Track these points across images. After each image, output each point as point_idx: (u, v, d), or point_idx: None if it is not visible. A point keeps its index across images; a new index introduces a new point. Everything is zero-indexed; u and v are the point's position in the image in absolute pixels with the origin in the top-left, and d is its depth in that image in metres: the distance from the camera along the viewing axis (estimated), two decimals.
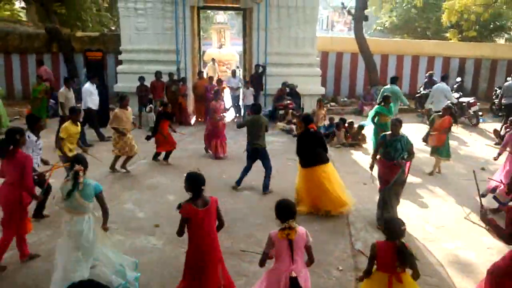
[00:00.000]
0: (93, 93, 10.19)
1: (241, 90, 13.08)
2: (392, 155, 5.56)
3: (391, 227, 3.36)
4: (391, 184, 5.53)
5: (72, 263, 3.88)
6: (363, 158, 9.26)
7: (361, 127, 10.53)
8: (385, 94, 9.03)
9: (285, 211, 3.34)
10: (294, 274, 3.22)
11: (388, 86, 10.19)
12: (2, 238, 4.50)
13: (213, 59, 19.43)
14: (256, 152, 7.08)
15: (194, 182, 3.58)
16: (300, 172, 6.38)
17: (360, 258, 4.92)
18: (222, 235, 5.33)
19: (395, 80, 10.30)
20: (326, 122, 10.96)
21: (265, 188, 6.99)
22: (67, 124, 6.51)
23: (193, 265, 3.69)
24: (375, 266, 3.40)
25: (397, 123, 5.66)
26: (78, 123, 6.66)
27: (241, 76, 15.78)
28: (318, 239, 5.37)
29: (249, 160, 7.18)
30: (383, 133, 5.90)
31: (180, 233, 3.69)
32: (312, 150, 6.18)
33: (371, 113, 8.91)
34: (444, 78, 11.04)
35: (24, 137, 4.76)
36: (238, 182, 7.14)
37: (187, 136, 10.82)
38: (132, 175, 7.84)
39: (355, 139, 10.40)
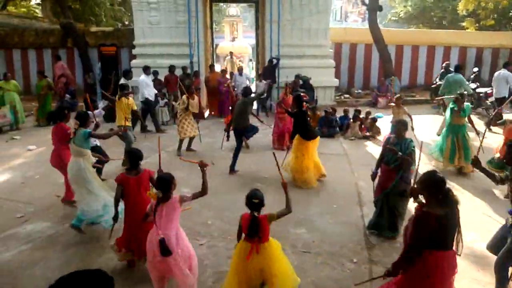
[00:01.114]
0: (149, 84, 10.55)
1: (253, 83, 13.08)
2: (389, 159, 5.13)
3: (247, 202, 3.60)
4: (385, 193, 5.13)
5: (82, 200, 5.19)
6: (377, 150, 9.16)
7: (375, 119, 10.44)
8: (458, 92, 8.16)
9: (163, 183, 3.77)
10: (161, 236, 3.56)
11: (453, 74, 10.46)
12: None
13: (230, 53, 19.38)
14: (238, 132, 7.70)
15: (133, 156, 4.45)
16: (301, 146, 6.97)
17: (376, 251, 4.91)
18: (235, 228, 5.39)
19: (459, 68, 10.52)
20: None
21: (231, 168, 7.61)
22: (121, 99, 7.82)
23: (128, 224, 4.44)
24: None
25: (400, 126, 5.16)
26: (129, 98, 7.94)
27: (253, 69, 15.76)
28: (332, 231, 5.39)
29: (236, 140, 7.71)
30: (389, 136, 5.44)
31: (116, 199, 4.34)
32: (310, 126, 7.23)
33: (447, 111, 7.98)
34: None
35: (69, 114, 5.96)
36: (232, 167, 7.59)
37: (201, 130, 10.86)
38: (148, 167, 7.91)
39: (369, 131, 10.32)
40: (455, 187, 6.97)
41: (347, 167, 7.99)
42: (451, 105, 7.72)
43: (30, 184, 7.12)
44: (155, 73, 11.87)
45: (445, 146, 7.62)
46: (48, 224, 5.56)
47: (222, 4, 27.75)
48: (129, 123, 7.92)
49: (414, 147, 5.00)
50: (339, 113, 11.01)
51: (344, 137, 10.27)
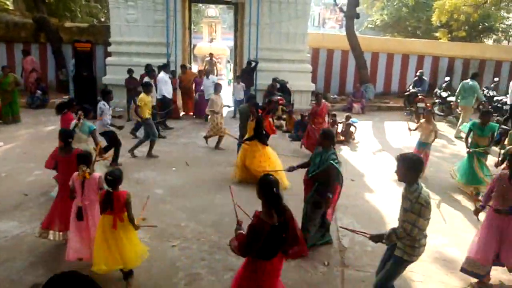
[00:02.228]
0: (167, 82, 10.67)
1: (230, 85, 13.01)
2: (309, 169, 4.92)
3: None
4: (305, 202, 5.02)
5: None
6: (350, 154, 9.31)
7: (350, 125, 10.60)
8: (483, 111, 7.36)
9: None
10: (80, 204, 4.23)
11: (469, 81, 10.89)
12: None
13: (211, 54, 18.68)
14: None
15: (64, 136, 4.95)
16: (260, 151, 7.12)
17: (347, 254, 4.96)
18: (209, 230, 5.34)
19: (475, 76, 11.01)
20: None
21: None
22: (142, 95, 8.36)
23: (58, 199, 4.88)
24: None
25: (325, 135, 4.83)
26: (150, 95, 8.52)
27: (231, 71, 15.68)
28: None
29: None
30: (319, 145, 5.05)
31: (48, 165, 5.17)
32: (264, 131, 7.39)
33: (466, 128, 7.35)
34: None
35: (75, 106, 6.70)
36: None
37: (177, 130, 10.78)
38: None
39: (343, 136, 10.45)
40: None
41: None
42: (470, 125, 7.03)
43: None
44: (130, 72, 11.65)
45: (467, 167, 6.96)
46: (14, 224, 5.36)
47: (201, 4, 27.67)
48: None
49: (335, 160, 4.70)
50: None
51: None
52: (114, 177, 3.99)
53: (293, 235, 3.16)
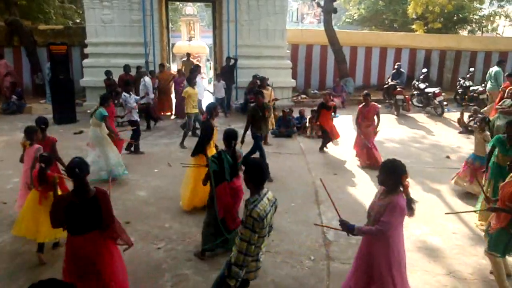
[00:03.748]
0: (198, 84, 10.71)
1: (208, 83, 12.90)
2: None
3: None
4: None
5: (93, 160, 6.66)
6: (332, 148, 9.38)
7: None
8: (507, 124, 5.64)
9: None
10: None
11: (496, 67, 11.37)
12: None
13: (187, 54, 17.55)
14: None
15: (40, 123, 5.47)
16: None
17: (332, 247, 5.01)
18: (194, 230, 5.31)
19: (500, 62, 11.64)
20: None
21: None
22: (187, 88, 9.09)
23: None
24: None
25: (225, 135, 4.62)
26: (195, 87, 9.24)
27: (211, 69, 15.51)
28: (291, 230, 5.44)
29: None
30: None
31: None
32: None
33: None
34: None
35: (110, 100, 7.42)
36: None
37: (157, 131, 10.68)
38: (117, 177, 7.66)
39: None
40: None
41: (304, 166, 8.11)
42: (493, 140, 5.50)
43: None
44: (108, 73, 11.49)
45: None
46: None
47: (178, 3, 27.41)
48: (196, 110, 9.24)
49: (212, 160, 4.55)
50: (295, 113, 11.17)
51: (303, 137, 10.43)
52: (44, 160, 4.51)
53: (107, 219, 3.41)
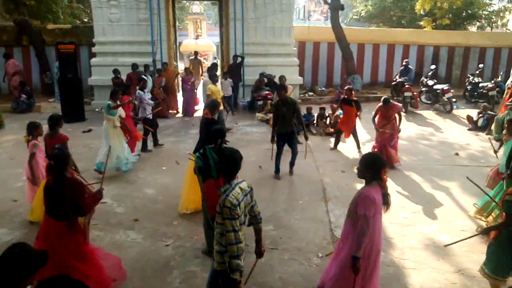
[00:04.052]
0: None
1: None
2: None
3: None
4: None
5: (103, 150, 7.17)
6: (340, 146, 9.35)
7: (338, 116, 10.62)
8: None
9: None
10: None
11: None
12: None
13: (195, 52, 16.85)
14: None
15: (54, 121, 5.60)
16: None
17: None
18: (202, 228, 5.33)
19: None
20: None
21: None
22: (210, 85, 9.40)
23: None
24: None
25: (213, 133, 4.49)
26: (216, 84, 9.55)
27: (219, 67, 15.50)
28: (299, 227, 5.45)
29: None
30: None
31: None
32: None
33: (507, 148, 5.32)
34: None
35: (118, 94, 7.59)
36: (277, 170, 7.26)
37: (165, 129, 10.72)
38: (110, 170, 7.71)
39: (333, 128, 10.47)
40: (413, 179, 7.22)
41: (312, 163, 8.09)
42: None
43: None
44: (116, 72, 11.56)
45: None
46: (4, 230, 5.29)
47: (185, 1, 27.47)
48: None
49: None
50: (303, 111, 11.12)
51: (310, 134, 10.40)
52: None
53: (73, 205, 3.57)
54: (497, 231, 3.77)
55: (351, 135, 8.92)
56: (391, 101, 7.84)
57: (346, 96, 8.83)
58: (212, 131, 4.60)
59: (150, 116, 8.63)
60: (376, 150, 7.80)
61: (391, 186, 6.86)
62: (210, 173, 4.46)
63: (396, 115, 7.73)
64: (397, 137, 7.89)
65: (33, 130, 5.41)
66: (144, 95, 8.69)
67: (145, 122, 8.56)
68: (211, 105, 5.93)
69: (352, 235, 3.35)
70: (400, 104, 8.39)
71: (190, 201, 5.73)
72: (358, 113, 8.58)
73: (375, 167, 3.28)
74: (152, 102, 8.86)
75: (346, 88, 9.16)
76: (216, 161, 4.44)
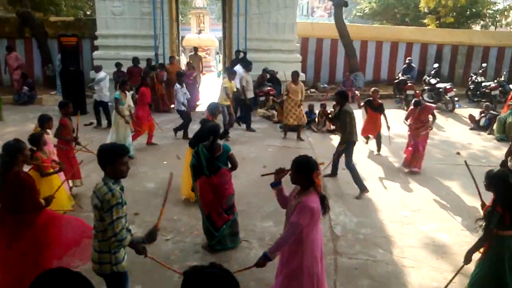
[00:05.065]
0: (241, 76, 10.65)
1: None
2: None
3: None
4: None
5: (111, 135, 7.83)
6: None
7: None
8: None
9: None
10: None
11: None
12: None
13: (195, 48, 16.25)
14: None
15: (62, 106, 6.16)
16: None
17: (340, 242, 5.01)
18: (183, 217, 5.34)
19: None
20: None
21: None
22: (225, 80, 9.60)
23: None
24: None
25: (207, 130, 4.65)
26: (232, 82, 9.52)
27: (220, 63, 15.44)
28: None
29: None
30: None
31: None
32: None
33: None
34: None
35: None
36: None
37: (167, 123, 10.71)
38: None
39: (334, 125, 10.45)
40: (414, 178, 7.22)
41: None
42: None
43: None
44: (118, 65, 11.54)
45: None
46: None
47: None
48: (227, 103, 9.36)
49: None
50: (304, 107, 11.10)
51: (311, 131, 10.40)
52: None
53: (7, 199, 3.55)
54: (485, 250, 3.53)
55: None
56: (423, 102, 7.45)
57: (372, 99, 8.55)
58: (206, 128, 4.61)
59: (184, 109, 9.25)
60: (410, 152, 7.44)
61: (392, 184, 6.87)
62: (203, 171, 4.47)
63: (430, 116, 7.40)
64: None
65: (45, 122, 5.41)
66: (179, 88, 9.16)
67: (181, 115, 9.33)
68: (212, 109, 5.98)
69: (294, 245, 3.12)
70: (434, 105, 8.03)
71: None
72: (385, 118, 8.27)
73: (307, 170, 3.10)
74: (183, 99, 9.23)
75: (373, 89, 8.94)
76: (207, 158, 4.45)
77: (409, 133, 7.55)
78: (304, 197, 3.09)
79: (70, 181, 5.98)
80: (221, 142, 4.70)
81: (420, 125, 7.33)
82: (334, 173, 7.18)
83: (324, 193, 3.19)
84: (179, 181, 6.29)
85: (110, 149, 3.06)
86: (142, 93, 8.74)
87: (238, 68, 10.69)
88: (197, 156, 4.50)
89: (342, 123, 6.60)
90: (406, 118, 7.60)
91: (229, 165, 4.68)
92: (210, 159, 4.53)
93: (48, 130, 5.59)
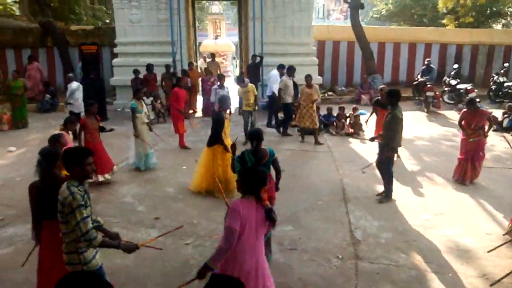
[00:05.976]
0: (278, 80, 10.74)
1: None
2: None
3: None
4: None
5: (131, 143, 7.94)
6: (360, 147, 9.26)
7: (358, 116, 10.52)
8: None
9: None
10: None
11: None
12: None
13: (212, 54, 16.04)
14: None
15: (88, 106, 6.97)
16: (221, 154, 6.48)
17: (361, 246, 4.95)
18: (221, 227, 5.36)
19: None
20: None
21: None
22: (249, 86, 9.57)
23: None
24: None
25: (250, 135, 4.72)
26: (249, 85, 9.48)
27: (237, 67, 15.47)
28: (318, 227, 5.41)
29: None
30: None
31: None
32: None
33: None
34: None
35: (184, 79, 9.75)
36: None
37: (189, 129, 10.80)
38: (130, 169, 7.84)
39: (353, 128, 10.37)
40: (436, 181, 7.08)
41: (331, 164, 8.03)
42: None
43: (11, 186, 6.94)
44: (136, 72, 11.71)
45: None
46: (30, 227, 5.42)
47: (204, 1, 27.64)
48: (249, 108, 9.44)
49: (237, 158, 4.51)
50: (323, 110, 11.06)
51: (329, 134, 10.34)
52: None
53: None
54: None
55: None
56: (477, 104, 6.78)
57: (379, 97, 8.34)
58: (248, 133, 4.62)
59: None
60: (461, 161, 6.90)
61: (414, 187, 6.76)
62: None
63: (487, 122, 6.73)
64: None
65: (68, 124, 6.10)
66: (214, 89, 9.78)
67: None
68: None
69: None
70: (491, 110, 7.28)
71: (204, 178, 6.41)
72: None
73: (251, 185, 2.99)
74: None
75: (380, 87, 8.81)
76: (253, 163, 4.41)
77: (462, 138, 6.89)
78: (234, 201, 3.03)
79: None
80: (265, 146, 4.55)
81: (471, 132, 6.66)
82: (388, 195, 6.29)
83: (269, 206, 3.07)
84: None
85: (76, 150, 3.24)
86: (175, 93, 9.00)
87: (275, 73, 11.02)
88: (243, 163, 4.38)
89: (393, 129, 5.94)
90: (460, 121, 6.89)
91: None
92: (256, 165, 4.33)
93: (70, 132, 6.11)
